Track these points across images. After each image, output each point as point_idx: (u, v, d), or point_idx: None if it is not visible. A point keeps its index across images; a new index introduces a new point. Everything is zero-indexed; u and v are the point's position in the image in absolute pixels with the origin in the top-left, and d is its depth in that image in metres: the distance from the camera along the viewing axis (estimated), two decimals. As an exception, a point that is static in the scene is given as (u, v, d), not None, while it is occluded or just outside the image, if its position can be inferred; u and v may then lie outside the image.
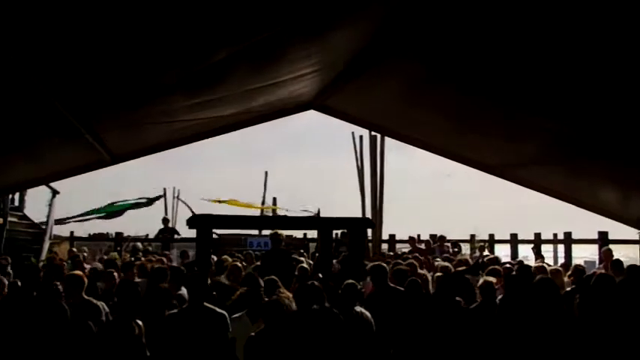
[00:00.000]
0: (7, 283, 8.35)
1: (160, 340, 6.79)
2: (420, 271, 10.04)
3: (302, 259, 12.64)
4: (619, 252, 13.27)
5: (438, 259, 13.27)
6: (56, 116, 7.60)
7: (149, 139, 11.00)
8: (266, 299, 7.40)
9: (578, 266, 10.68)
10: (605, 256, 12.28)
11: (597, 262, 14.68)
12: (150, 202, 23.17)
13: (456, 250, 17.60)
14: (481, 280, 8.24)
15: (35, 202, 20.06)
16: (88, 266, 11.77)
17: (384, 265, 9.09)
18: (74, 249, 17.20)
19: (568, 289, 9.13)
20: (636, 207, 11.83)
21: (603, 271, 10.27)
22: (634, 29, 5.63)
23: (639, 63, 6.26)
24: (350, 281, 7.41)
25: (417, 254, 13.94)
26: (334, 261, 11.99)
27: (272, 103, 10.54)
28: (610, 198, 11.93)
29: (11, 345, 6.47)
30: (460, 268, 10.29)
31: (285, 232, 12.34)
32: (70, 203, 21.99)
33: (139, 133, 10.25)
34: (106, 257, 13.95)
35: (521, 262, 12.73)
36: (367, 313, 7.23)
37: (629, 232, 13.88)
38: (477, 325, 7.32)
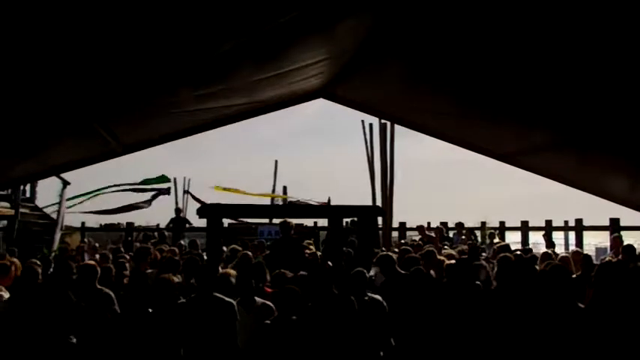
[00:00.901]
0: (40, 271, 8.36)
1: (170, 329, 6.84)
2: (439, 256, 9.96)
3: (311, 247, 12.65)
4: (630, 239, 13.24)
5: (446, 247, 13.28)
6: (66, 108, 7.63)
7: (159, 129, 11.02)
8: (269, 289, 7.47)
9: (575, 253, 10.66)
10: (615, 242, 12.25)
11: (608, 248, 14.65)
12: (159, 193, 23.15)
13: (472, 237, 17.60)
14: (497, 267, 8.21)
15: (46, 194, 20.20)
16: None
17: (391, 254, 9.12)
18: (85, 240, 17.31)
19: (574, 275, 9.13)
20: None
21: (613, 257, 10.24)
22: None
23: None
24: (359, 269, 7.42)
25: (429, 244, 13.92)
26: (344, 248, 12.01)
27: (281, 92, 10.54)
28: (621, 184, 11.89)
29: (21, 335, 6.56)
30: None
31: (295, 221, 12.34)
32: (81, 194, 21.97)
33: (149, 124, 10.28)
34: (114, 247, 14.00)
35: (530, 249, 12.73)
36: (379, 299, 7.25)
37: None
38: (488, 311, 7.30)
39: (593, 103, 8.17)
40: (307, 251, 10.96)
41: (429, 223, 20.05)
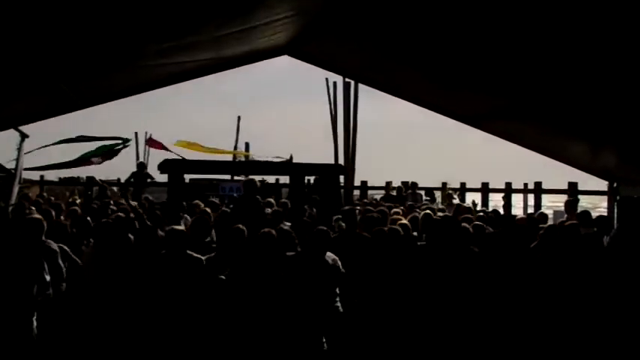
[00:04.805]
0: None
1: (140, 284, 6.89)
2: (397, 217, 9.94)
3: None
4: (586, 202, 13.47)
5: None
6: (25, 58, 7.45)
7: (119, 82, 10.85)
8: None
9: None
10: (567, 206, 12.32)
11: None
12: (121, 145, 22.59)
13: (428, 199, 17.71)
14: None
15: (3, 146, 19.75)
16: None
17: (356, 210, 9.15)
18: (44, 193, 17.06)
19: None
20: (604, 159, 11.98)
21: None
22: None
23: (610, 21, 6.27)
24: (321, 227, 7.42)
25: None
26: (306, 206, 12.02)
27: (246, 47, 10.42)
28: (580, 150, 12.06)
29: None
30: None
31: (257, 178, 12.26)
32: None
33: (110, 77, 10.10)
34: (78, 201, 13.82)
35: (495, 211, 12.88)
36: (337, 260, 7.26)
37: (599, 183, 14.12)
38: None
39: (555, 71, 8.23)
40: (269, 210, 10.84)
41: (390, 182, 20.12)
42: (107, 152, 21.60)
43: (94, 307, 7.15)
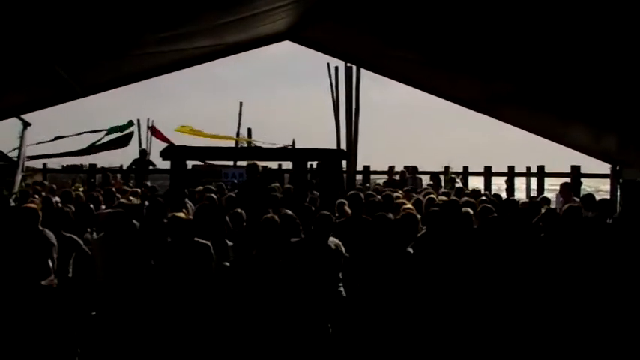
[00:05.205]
0: None
1: (150, 272, 6.92)
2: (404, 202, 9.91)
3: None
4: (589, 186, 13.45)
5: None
6: (26, 47, 7.44)
7: (120, 70, 10.83)
8: None
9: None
10: (562, 188, 12.26)
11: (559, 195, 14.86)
12: (126, 137, 22.47)
13: (431, 183, 17.66)
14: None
15: (6, 135, 19.74)
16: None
17: (361, 195, 9.12)
18: (46, 182, 17.07)
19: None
20: (605, 142, 11.97)
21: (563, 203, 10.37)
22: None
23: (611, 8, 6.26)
24: (324, 212, 7.41)
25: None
26: (308, 192, 12.00)
27: (247, 34, 10.39)
28: (581, 133, 12.04)
29: None
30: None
31: (260, 164, 12.24)
32: (42, 136, 21.51)
33: (110, 65, 10.09)
34: (81, 189, 13.83)
35: (497, 195, 12.85)
36: (340, 244, 7.24)
37: (600, 166, 14.10)
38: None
39: (558, 55, 8.21)
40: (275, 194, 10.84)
41: (393, 167, 20.11)
42: (117, 141, 21.56)
43: (104, 296, 7.14)
